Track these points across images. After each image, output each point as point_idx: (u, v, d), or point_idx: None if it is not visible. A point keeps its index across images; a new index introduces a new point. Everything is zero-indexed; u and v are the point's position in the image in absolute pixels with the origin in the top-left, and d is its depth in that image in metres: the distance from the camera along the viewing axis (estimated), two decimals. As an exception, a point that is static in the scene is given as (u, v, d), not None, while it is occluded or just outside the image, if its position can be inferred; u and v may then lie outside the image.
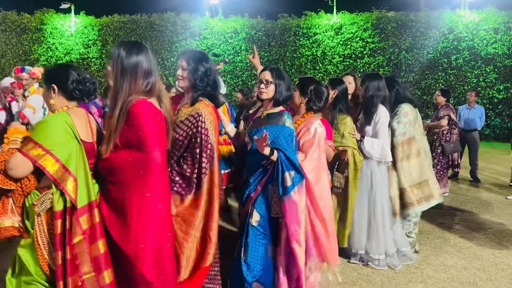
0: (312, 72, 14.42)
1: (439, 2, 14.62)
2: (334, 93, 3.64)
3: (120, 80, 2.15)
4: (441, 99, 6.68)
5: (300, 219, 2.73)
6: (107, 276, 2.15)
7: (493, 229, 4.92)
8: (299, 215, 2.73)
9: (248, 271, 2.77)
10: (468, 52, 13.49)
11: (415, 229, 4.10)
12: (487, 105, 13.18)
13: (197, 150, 2.42)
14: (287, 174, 2.70)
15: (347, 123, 3.62)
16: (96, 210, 2.16)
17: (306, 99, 3.07)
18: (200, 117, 2.44)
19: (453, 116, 6.57)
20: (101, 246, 2.14)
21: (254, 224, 2.79)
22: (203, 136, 2.42)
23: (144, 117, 2.13)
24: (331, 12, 14.70)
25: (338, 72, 14.10)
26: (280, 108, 2.90)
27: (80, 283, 2.09)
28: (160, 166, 2.21)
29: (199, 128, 2.43)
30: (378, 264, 3.76)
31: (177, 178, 2.44)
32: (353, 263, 3.85)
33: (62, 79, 2.23)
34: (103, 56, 14.91)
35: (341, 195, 3.66)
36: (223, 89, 5.71)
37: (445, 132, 6.58)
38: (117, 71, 2.17)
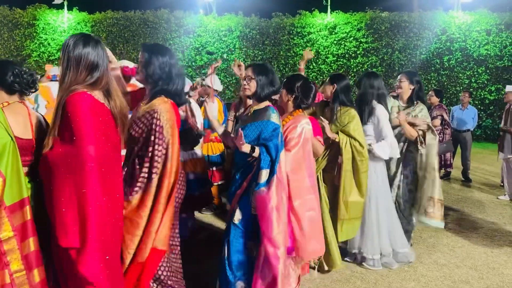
0: (306, 71, 14.40)
1: (433, 3, 14.75)
2: (333, 88, 3.60)
3: (65, 71, 2.14)
4: (435, 99, 6.74)
5: (272, 217, 2.63)
6: (37, 274, 2.14)
7: (485, 229, 4.97)
8: (271, 213, 2.63)
9: (231, 271, 2.73)
10: (460, 53, 13.60)
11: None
12: (479, 106, 13.29)
13: (150, 148, 2.34)
14: (264, 171, 2.65)
15: (351, 114, 3.53)
16: (27, 208, 2.13)
17: (294, 96, 3.05)
18: (155, 114, 2.35)
19: (446, 116, 6.63)
20: (32, 244, 2.13)
21: (236, 222, 2.75)
22: (157, 134, 2.34)
23: (79, 110, 2.07)
24: (325, 12, 14.74)
25: (331, 71, 14.14)
26: (266, 103, 2.85)
27: (9, 281, 2.06)
28: (97, 162, 2.07)
29: (154, 126, 2.35)
30: (373, 264, 3.76)
31: (127, 177, 2.38)
32: (347, 261, 3.87)
33: (0, 74, 2.27)
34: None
35: (333, 183, 3.59)
36: (219, 87, 5.70)
37: (437, 132, 6.63)
38: (63, 61, 2.16)
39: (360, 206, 3.59)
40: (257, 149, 2.67)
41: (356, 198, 3.55)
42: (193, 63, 14.84)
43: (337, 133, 3.53)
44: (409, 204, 4.10)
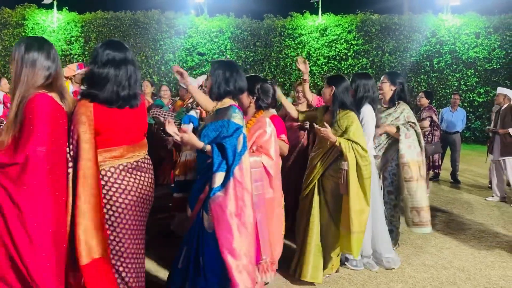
0: (297, 73, 14.47)
1: (423, 6, 14.90)
2: (331, 90, 3.46)
3: (19, 73, 2.18)
4: (425, 101, 6.78)
5: (231, 225, 2.39)
6: None
7: (472, 230, 5.00)
8: (229, 221, 2.39)
9: (207, 285, 2.51)
10: (450, 56, 13.72)
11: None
12: (468, 108, 13.41)
13: (67, 149, 2.33)
14: (218, 174, 2.45)
15: (350, 117, 3.38)
16: None
17: (255, 98, 3.07)
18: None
19: (435, 118, 6.67)
20: None
21: (206, 226, 2.52)
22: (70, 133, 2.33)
23: (40, 111, 2.12)
24: (316, 14, 14.77)
25: (323, 73, 14.19)
26: (230, 102, 2.69)
27: None
28: (45, 163, 2.11)
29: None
30: (355, 264, 3.76)
31: None
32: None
33: None
34: (86, 53, 14.69)
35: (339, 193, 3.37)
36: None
37: (426, 133, 6.67)
38: (17, 64, 2.20)
39: (366, 215, 3.33)
40: (208, 146, 2.51)
41: (363, 206, 3.30)
42: (184, 64, 14.78)
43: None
44: (389, 205, 4.14)
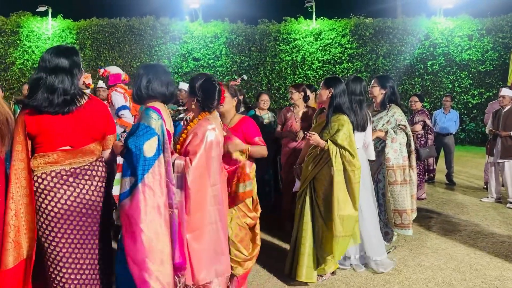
0: (292, 77, 14.54)
1: (416, 9, 15.01)
2: (329, 93, 3.46)
3: None
4: (419, 105, 6.82)
5: (137, 235, 2.20)
6: None
7: (468, 231, 5.03)
8: (135, 230, 2.21)
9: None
10: (443, 58, 13.82)
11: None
12: (462, 110, 13.51)
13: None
14: (124, 179, 2.29)
15: (341, 121, 3.38)
16: None
17: (195, 98, 2.74)
18: None
19: (428, 122, 6.70)
20: None
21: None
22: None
23: None
24: (310, 18, 14.86)
25: (317, 77, 14.24)
26: (151, 104, 2.51)
27: None
28: None
29: None
30: (342, 263, 3.81)
31: None
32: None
33: None
34: (81, 59, 14.68)
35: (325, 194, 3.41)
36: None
37: (419, 136, 6.71)
38: None
39: (354, 220, 3.38)
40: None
41: (350, 212, 3.34)
42: (180, 70, 14.82)
43: (327, 141, 3.39)
44: (384, 208, 4.19)
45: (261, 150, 3.25)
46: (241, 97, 6.46)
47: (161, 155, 2.32)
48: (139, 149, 2.25)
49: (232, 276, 3.10)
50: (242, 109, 5.23)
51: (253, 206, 3.24)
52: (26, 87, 6.82)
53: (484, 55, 13.52)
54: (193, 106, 2.78)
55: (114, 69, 5.07)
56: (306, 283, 3.52)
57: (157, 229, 2.24)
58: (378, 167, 4.15)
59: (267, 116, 5.43)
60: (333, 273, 3.70)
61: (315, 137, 3.35)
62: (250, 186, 3.10)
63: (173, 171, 2.47)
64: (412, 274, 3.79)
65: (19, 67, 14.65)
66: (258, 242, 3.27)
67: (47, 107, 2.28)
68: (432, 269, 3.90)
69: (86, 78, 5.28)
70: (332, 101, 3.46)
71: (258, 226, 3.29)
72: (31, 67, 14.55)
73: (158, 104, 2.51)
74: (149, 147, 2.27)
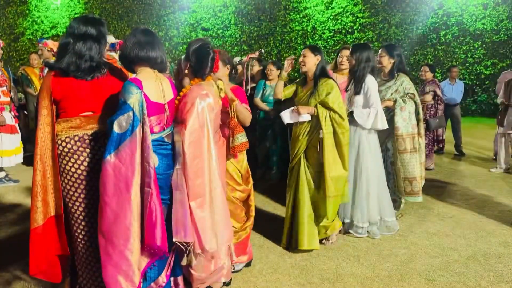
0: (302, 48, 14.33)
1: (430, -23, 14.57)
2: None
3: None
4: (430, 75, 6.76)
5: (102, 208, 2.25)
6: None
7: (475, 200, 5.09)
8: (102, 204, 2.26)
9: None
10: (457, 28, 13.53)
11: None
12: (474, 81, 13.32)
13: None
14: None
15: (329, 84, 3.49)
16: None
17: (188, 64, 2.71)
18: None
19: (438, 92, 6.66)
20: None
21: None
22: None
23: None
24: (322, -14, 14.56)
25: (328, 47, 14.08)
26: (134, 74, 2.49)
27: None
28: None
29: None
30: (361, 232, 3.90)
31: None
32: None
33: None
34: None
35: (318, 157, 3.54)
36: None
37: (429, 106, 6.68)
38: None
39: (344, 181, 3.57)
40: None
41: (340, 172, 3.50)
42: (188, 40, 14.70)
43: (316, 106, 3.50)
44: (392, 175, 4.25)
45: (246, 112, 3.14)
46: (260, 68, 6.48)
47: (136, 131, 2.26)
48: (111, 124, 2.27)
49: None
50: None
51: (244, 180, 3.28)
52: (34, 56, 6.96)
53: (499, 24, 13.20)
54: (186, 71, 2.76)
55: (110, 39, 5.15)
56: (311, 250, 3.61)
57: (124, 204, 2.23)
58: (387, 136, 4.18)
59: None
60: (340, 231, 3.85)
61: (302, 107, 3.51)
62: (244, 138, 3.08)
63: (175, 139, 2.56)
64: (419, 240, 3.88)
65: (28, 37, 14.68)
66: (252, 213, 3.32)
67: (74, 71, 2.38)
68: (438, 236, 3.99)
69: (54, 45, 5.33)
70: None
71: (252, 198, 3.32)
72: (41, 37, 14.56)
73: (145, 72, 2.45)
74: (120, 124, 2.26)
